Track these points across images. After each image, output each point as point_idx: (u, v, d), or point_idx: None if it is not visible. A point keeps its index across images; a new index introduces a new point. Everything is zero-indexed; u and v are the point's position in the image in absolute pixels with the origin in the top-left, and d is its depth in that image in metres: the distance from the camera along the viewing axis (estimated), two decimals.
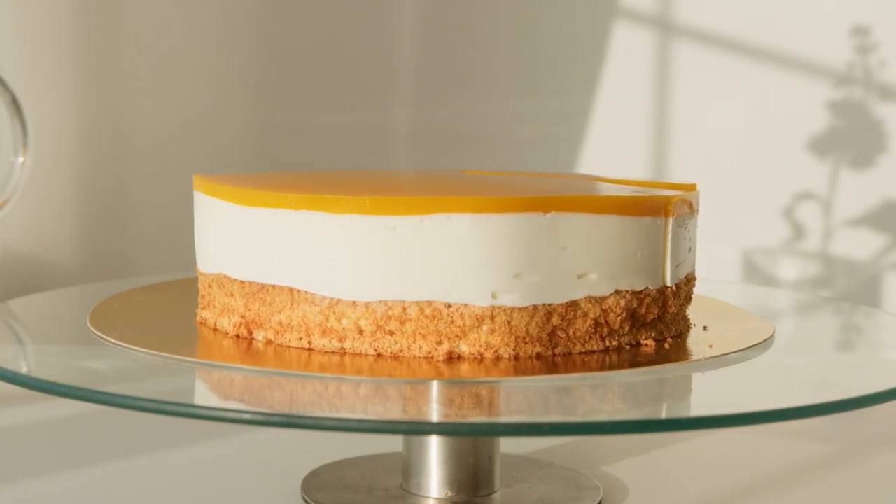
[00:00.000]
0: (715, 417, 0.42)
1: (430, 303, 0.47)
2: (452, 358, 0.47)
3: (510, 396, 0.44)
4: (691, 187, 0.57)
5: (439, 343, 0.47)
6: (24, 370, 0.46)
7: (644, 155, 1.06)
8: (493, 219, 0.47)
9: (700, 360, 0.49)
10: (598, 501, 0.55)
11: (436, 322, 0.47)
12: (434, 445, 0.53)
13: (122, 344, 0.49)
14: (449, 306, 0.47)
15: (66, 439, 0.66)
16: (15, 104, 0.72)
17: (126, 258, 1.00)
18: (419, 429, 0.43)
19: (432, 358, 0.47)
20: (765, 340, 0.52)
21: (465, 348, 0.47)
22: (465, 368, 0.46)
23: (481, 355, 0.47)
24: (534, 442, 0.64)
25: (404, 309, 0.47)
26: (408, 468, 0.54)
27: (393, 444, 0.59)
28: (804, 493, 0.59)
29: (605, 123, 1.09)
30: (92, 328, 0.52)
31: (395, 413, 0.42)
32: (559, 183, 0.57)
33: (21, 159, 0.73)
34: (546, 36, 1.11)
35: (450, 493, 0.54)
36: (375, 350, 0.47)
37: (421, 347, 0.47)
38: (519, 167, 1.09)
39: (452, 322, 0.47)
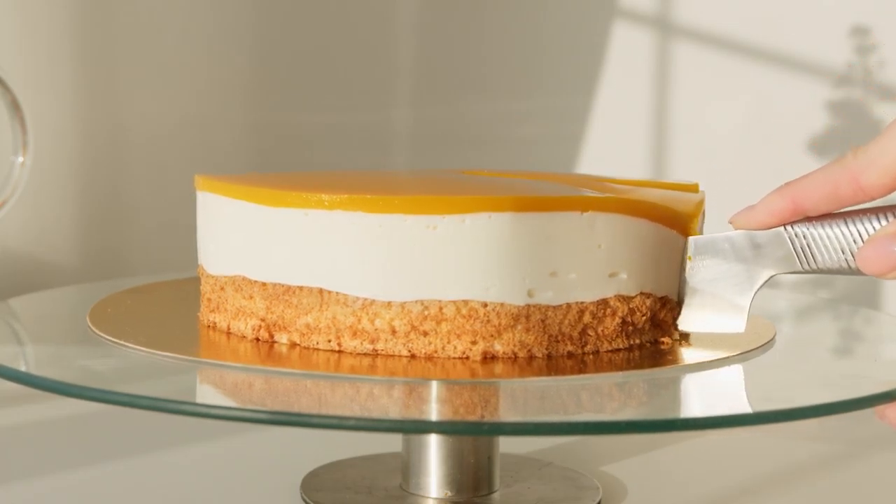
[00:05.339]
0: (714, 418, 0.42)
1: (466, 302, 0.46)
2: (487, 358, 0.47)
3: (550, 396, 0.44)
4: (693, 188, 0.57)
5: (474, 343, 0.47)
6: (23, 369, 0.46)
7: (644, 155, 1.06)
8: (533, 217, 0.47)
9: (728, 357, 0.49)
10: (597, 501, 0.55)
11: (472, 321, 0.46)
12: (433, 445, 0.53)
13: (123, 343, 0.49)
14: (485, 305, 0.46)
15: (66, 439, 0.66)
16: (15, 104, 0.72)
17: (125, 258, 1.00)
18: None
19: (468, 358, 0.47)
20: (766, 343, 0.52)
21: (499, 348, 0.47)
22: (499, 369, 0.46)
23: (515, 354, 0.47)
24: (533, 442, 0.64)
25: (441, 308, 0.46)
26: (407, 468, 0.54)
27: (392, 443, 0.59)
28: (804, 493, 0.59)
29: (605, 123, 1.09)
30: (92, 327, 0.52)
31: (445, 414, 0.42)
32: (579, 181, 0.57)
33: (21, 159, 0.73)
34: (546, 36, 1.11)
35: (449, 493, 0.54)
36: (409, 351, 0.47)
37: (455, 347, 0.47)
38: (519, 167, 1.09)
39: (489, 321, 0.46)
